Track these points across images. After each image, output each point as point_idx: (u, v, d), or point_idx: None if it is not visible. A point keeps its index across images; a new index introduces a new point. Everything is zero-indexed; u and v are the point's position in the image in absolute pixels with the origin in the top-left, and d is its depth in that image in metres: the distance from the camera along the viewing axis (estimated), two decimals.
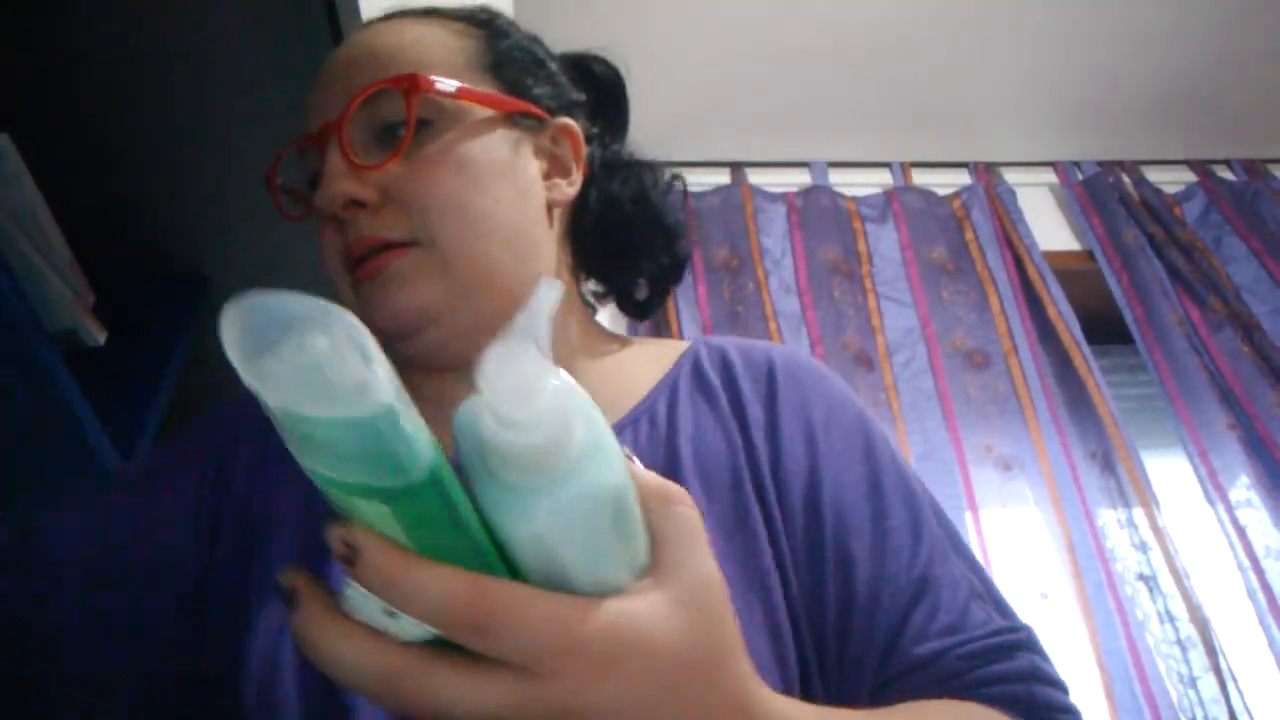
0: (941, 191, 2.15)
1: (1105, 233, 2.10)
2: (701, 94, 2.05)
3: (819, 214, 2.07)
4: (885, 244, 2.06)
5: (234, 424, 0.65)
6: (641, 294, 0.77)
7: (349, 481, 0.28)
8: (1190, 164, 2.28)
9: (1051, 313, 1.92)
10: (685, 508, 0.36)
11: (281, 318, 0.27)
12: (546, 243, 0.66)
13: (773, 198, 2.09)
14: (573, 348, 0.68)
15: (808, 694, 0.52)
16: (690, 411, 0.62)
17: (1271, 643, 1.58)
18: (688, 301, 1.88)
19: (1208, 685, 1.53)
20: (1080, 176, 2.24)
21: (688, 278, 1.90)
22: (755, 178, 2.13)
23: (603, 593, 0.32)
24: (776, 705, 0.38)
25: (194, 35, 0.98)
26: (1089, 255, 2.10)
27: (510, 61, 0.67)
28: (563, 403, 0.30)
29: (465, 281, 0.60)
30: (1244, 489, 1.71)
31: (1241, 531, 1.68)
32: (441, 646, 0.31)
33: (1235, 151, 2.30)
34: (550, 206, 0.67)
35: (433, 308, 0.59)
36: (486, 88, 0.64)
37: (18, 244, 0.85)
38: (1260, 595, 1.61)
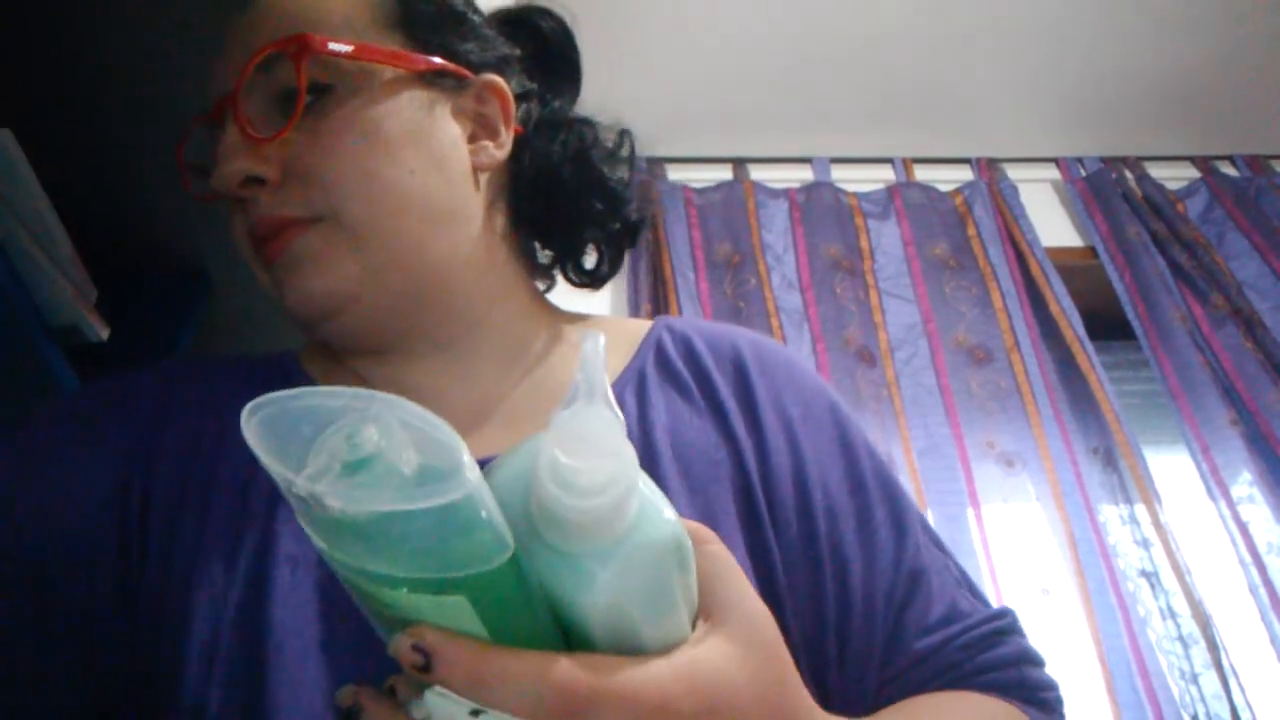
0: (944, 187, 2.15)
1: (1108, 229, 2.09)
2: (703, 90, 2.04)
3: (821, 210, 2.07)
4: (887, 240, 2.06)
5: (160, 394, 0.58)
6: (588, 262, 0.71)
7: (419, 577, 0.27)
8: (1193, 160, 2.28)
9: (1054, 309, 1.92)
10: (717, 546, 0.35)
11: (310, 416, 0.26)
12: (472, 211, 0.61)
13: (775, 193, 2.08)
14: (534, 347, 0.63)
15: None
16: (662, 402, 0.59)
17: (1273, 639, 1.58)
18: (690, 297, 1.87)
19: (1209, 681, 1.53)
20: (1083, 172, 2.24)
21: (690, 274, 1.90)
22: (757, 173, 2.13)
23: (671, 640, 0.32)
24: None
25: (195, 31, 0.98)
26: (1091, 251, 2.10)
27: (422, 16, 0.61)
28: (628, 463, 0.28)
29: (380, 259, 0.55)
30: (1246, 485, 1.71)
31: (1243, 527, 1.67)
32: None
33: (1238, 147, 2.30)
34: (476, 171, 0.61)
35: (345, 288, 0.55)
36: (395, 46, 0.58)
37: (20, 240, 0.85)
38: (1262, 591, 1.61)
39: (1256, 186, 2.20)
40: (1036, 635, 0.63)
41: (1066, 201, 2.22)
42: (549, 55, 0.70)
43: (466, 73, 0.61)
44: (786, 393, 0.62)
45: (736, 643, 0.33)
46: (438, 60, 0.59)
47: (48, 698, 0.48)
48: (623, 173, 0.68)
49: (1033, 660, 0.57)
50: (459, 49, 0.61)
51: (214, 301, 1.22)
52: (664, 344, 0.63)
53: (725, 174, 2.11)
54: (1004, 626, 0.57)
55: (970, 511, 1.68)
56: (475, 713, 0.28)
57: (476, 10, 0.66)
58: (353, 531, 0.26)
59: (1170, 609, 1.62)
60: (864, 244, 2.05)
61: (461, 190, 0.60)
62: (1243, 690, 1.51)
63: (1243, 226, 2.11)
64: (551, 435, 0.27)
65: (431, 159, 0.58)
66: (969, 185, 2.15)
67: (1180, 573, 1.62)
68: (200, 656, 0.46)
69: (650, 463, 0.55)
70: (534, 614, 0.30)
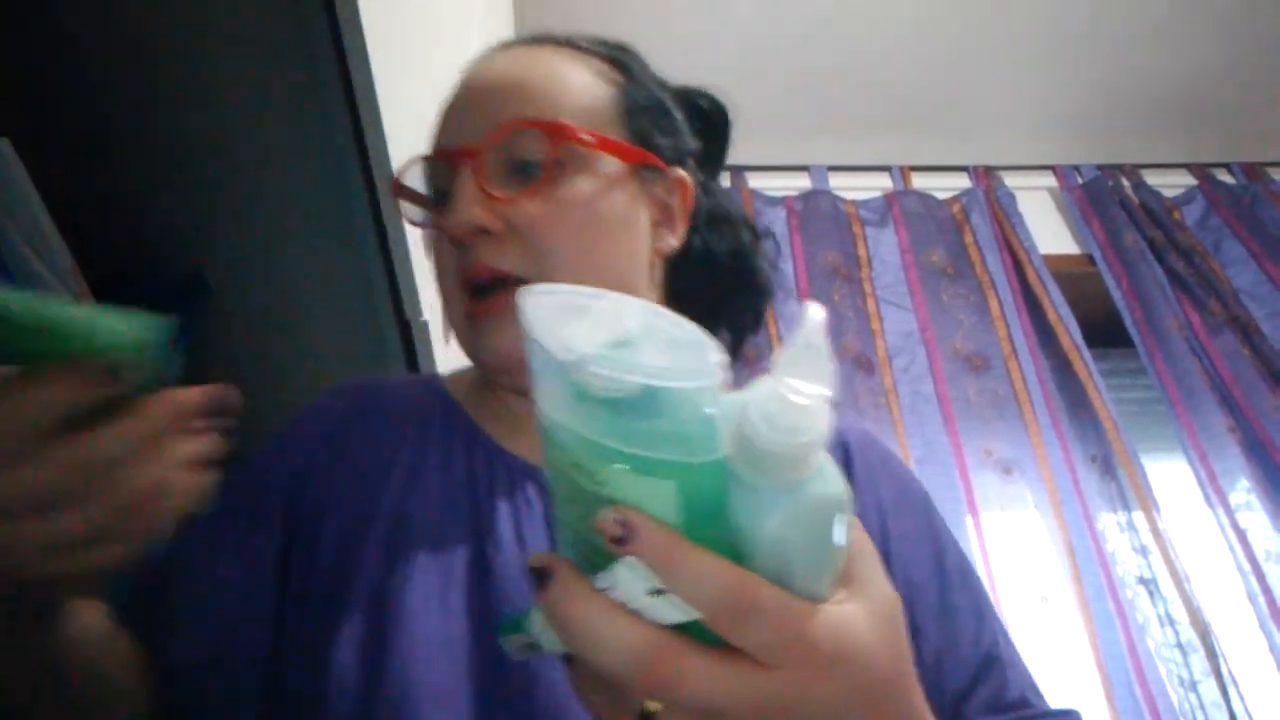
0: (941, 195, 2.16)
1: (1105, 236, 2.10)
2: None
3: (819, 218, 2.07)
4: (885, 248, 2.06)
5: (309, 436, 0.65)
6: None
7: (650, 456, 0.29)
8: (1189, 167, 2.28)
9: (1051, 316, 1.92)
10: (859, 530, 0.37)
11: (573, 308, 0.30)
12: (644, 293, 0.66)
13: (772, 201, 2.09)
14: None
15: None
16: None
17: (1272, 646, 1.57)
18: None
19: (1208, 689, 1.53)
20: (1080, 180, 2.24)
21: None
22: (755, 181, 2.13)
23: (816, 597, 0.33)
24: None
25: (195, 38, 0.98)
26: (1089, 259, 2.10)
27: (640, 110, 0.67)
28: (825, 412, 0.30)
29: None
30: (1244, 492, 1.71)
31: (1242, 535, 1.67)
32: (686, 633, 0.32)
33: (1234, 155, 2.30)
34: (654, 255, 0.67)
35: None
36: (617, 135, 0.64)
37: (18, 248, 0.85)
38: (1260, 598, 1.61)
39: (1253, 194, 2.20)
40: (1035, 643, 0.63)
41: (1064, 209, 2.22)
42: (710, 141, 0.78)
43: (664, 165, 0.67)
44: (882, 478, 0.65)
45: (873, 617, 0.35)
46: (650, 155, 0.66)
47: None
48: (768, 274, 0.76)
49: None
50: (660, 143, 0.68)
51: (212, 308, 1.22)
52: None
53: (723, 181, 2.11)
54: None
55: (968, 519, 1.68)
56: (655, 592, 0.31)
57: (676, 104, 0.73)
58: (605, 405, 0.28)
59: (1168, 616, 1.62)
60: (862, 252, 2.05)
61: (644, 273, 0.66)
62: (1241, 697, 1.51)
63: (1239, 233, 2.11)
64: (773, 370, 0.30)
65: (631, 242, 0.64)
66: (966, 193, 2.15)
67: (1178, 580, 1.62)
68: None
69: None
70: (720, 526, 0.32)
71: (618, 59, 0.69)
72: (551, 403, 0.30)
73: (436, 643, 0.53)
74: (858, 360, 1.86)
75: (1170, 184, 2.23)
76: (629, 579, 0.31)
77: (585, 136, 0.61)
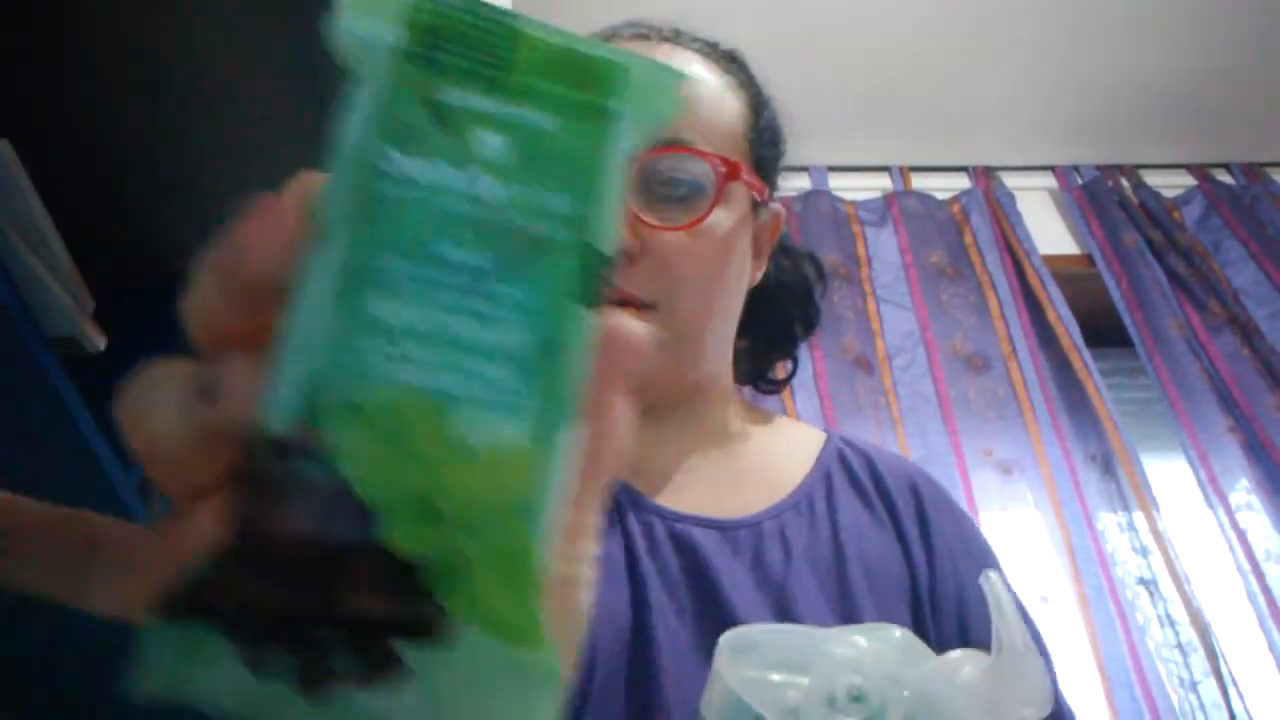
0: (941, 195, 2.16)
1: (1104, 236, 2.10)
2: None
3: (818, 218, 2.07)
4: (884, 248, 2.06)
5: None
6: (771, 374, 0.78)
7: None
8: (1189, 168, 2.28)
9: (1051, 316, 1.92)
10: None
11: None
12: (734, 325, 0.67)
13: None
14: (733, 429, 0.67)
15: None
16: (848, 507, 0.63)
17: (1272, 646, 1.57)
18: None
19: (1209, 689, 1.53)
20: (1079, 180, 2.24)
21: None
22: None
23: None
24: None
25: (195, 40, 0.98)
26: (1088, 259, 2.10)
27: (764, 138, 0.67)
28: None
29: (686, 354, 0.60)
30: (1244, 492, 1.71)
31: (1242, 535, 1.67)
32: None
33: (1234, 155, 2.30)
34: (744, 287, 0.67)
35: (649, 375, 0.58)
36: (749, 163, 0.63)
37: (17, 250, 0.85)
38: (1261, 599, 1.61)
39: (1253, 194, 2.20)
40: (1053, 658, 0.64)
41: (1063, 209, 2.22)
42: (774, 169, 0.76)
43: (769, 199, 0.68)
44: (950, 525, 0.65)
45: None
46: (769, 190, 0.66)
47: None
48: (820, 309, 0.76)
49: None
50: (772, 179, 0.68)
51: None
52: (846, 456, 0.67)
53: None
54: None
55: None
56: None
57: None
58: None
59: (1169, 616, 1.62)
60: (861, 252, 2.05)
61: (741, 303, 0.66)
62: (1241, 698, 1.51)
63: (1239, 234, 2.11)
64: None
65: (741, 275, 0.64)
66: (966, 193, 2.15)
67: (1179, 580, 1.62)
68: None
69: (838, 561, 0.58)
70: None
71: (744, 72, 0.69)
72: None
73: None
74: (857, 360, 1.86)
75: (1170, 184, 2.23)
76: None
77: (748, 177, 0.60)
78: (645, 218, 0.57)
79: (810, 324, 0.75)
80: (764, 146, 0.66)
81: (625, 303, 0.57)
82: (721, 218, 0.60)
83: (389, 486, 0.19)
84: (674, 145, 0.58)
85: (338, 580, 0.19)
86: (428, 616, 0.20)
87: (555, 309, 0.20)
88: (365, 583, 0.19)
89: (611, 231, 0.21)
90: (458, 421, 0.19)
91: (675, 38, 0.66)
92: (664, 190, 0.58)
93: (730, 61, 0.69)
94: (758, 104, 0.67)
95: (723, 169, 0.58)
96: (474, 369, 0.19)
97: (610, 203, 0.21)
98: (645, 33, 0.66)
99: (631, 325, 0.21)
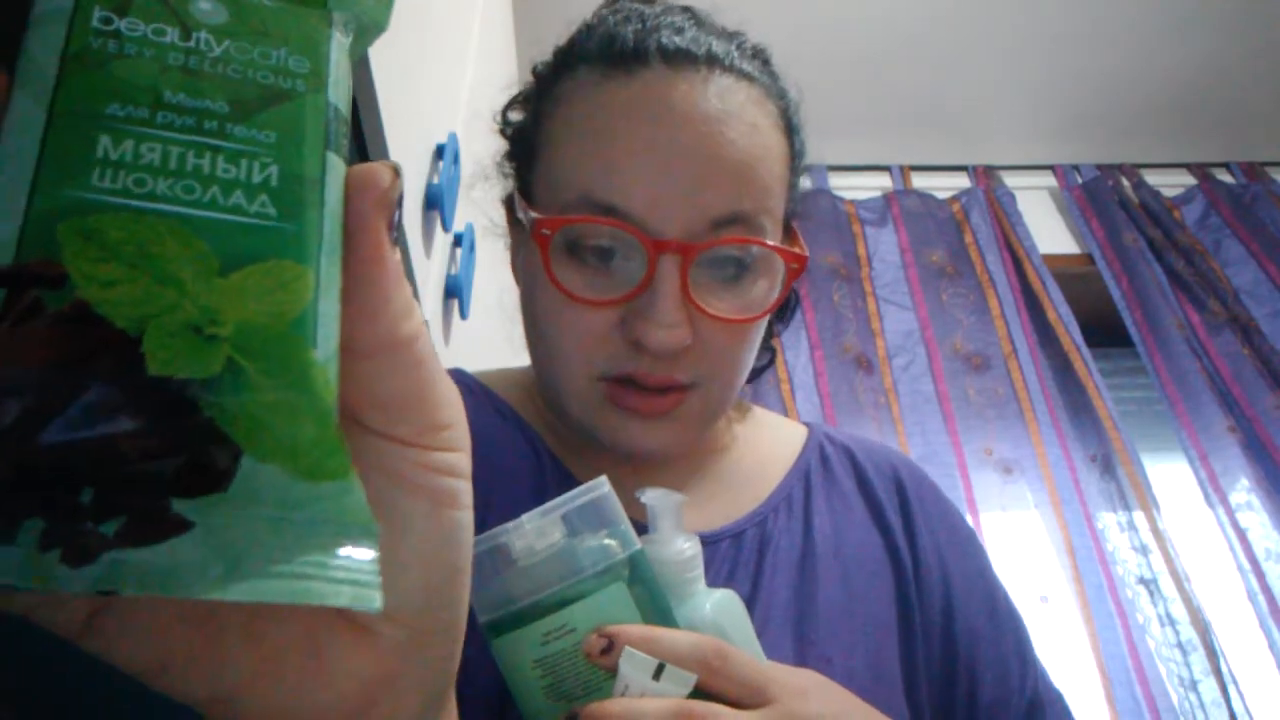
0: (941, 195, 2.16)
1: (1105, 236, 2.10)
2: None
3: (819, 217, 2.07)
4: (885, 247, 2.06)
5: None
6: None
7: (595, 571, 0.39)
8: (1189, 167, 2.28)
9: (1051, 316, 1.92)
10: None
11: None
12: None
13: None
14: (723, 442, 0.66)
15: None
16: (825, 502, 0.62)
17: (1272, 645, 1.57)
18: None
19: (1209, 688, 1.53)
20: (1079, 180, 2.24)
21: None
22: None
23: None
24: None
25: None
26: (1088, 258, 2.10)
27: (798, 165, 0.62)
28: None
29: (710, 424, 0.58)
30: (1244, 492, 1.71)
31: (1242, 534, 1.68)
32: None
33: (1234, 154, 2.30)
34: None
35: (679, 448, 0.57)
36: (787, 194, 0.60)
37: None
38: (1261, 598, 1.61)
39: (1253, 193, 2.20)
40: (1034, 642, 0.64)
41: (1063, 209, 2.22)
42: None
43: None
44: (935, 517, 0.65)
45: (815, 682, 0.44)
46: (802, 246, 0.61)
47: None
48: (797, 294, 0.73)
49: None
50: (795, 194, 0.64)
51: None
52: (826, 451, 0.67)
53: None
54: None
55: (968, 518, 1.68)
56: (657, 673, 0.38)
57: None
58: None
59: (1169, 616, 1.62)
60: (861, 251, 2.05)
61: None
62: (1241, 697, 1.51)
63: (1239, 233, 2.11)
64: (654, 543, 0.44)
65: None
66: (966, 193, 2.15)
67: (1179, 579, 1.62)
68: None
69: (808, 555, 0.59)
70: (666, 616, 0.41)
71: (784, 92, 0.62)
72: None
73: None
74: (858, 360, 1.86)
75: (1170, 184, 2.23)
76: (632, 671, 0.38)
77: (798, 250, 0.56)
78: (702, 305, 0.52)
79: (784, 315, 0.72)
80: (798, 173, 0.63)
81: (669, 389, 0.53)
82: (763, 295, 0.55)
83: (141, 308, 0.20)
84: (737, 225, 0.53)
85: (106, 424, 0.19)
86: (209, 458, 0.20)
87: (299, 149, 0.22)
88: (140, 428, 0.19)
89: (346, 96, 0.24)
90: (207, 244, 0.20)
91: (711, 62, 0.56)
92: (717, 272, 0.54)
93: (765, 73, 0.61)
94: (791, 128, 0.61)
95: (794, 265, 0.55)
96: (218, 199, 0.21)
97: (338, 75, 0.24)
98: (733, 69, 0.57)
99: (376, 166, 0.23)
